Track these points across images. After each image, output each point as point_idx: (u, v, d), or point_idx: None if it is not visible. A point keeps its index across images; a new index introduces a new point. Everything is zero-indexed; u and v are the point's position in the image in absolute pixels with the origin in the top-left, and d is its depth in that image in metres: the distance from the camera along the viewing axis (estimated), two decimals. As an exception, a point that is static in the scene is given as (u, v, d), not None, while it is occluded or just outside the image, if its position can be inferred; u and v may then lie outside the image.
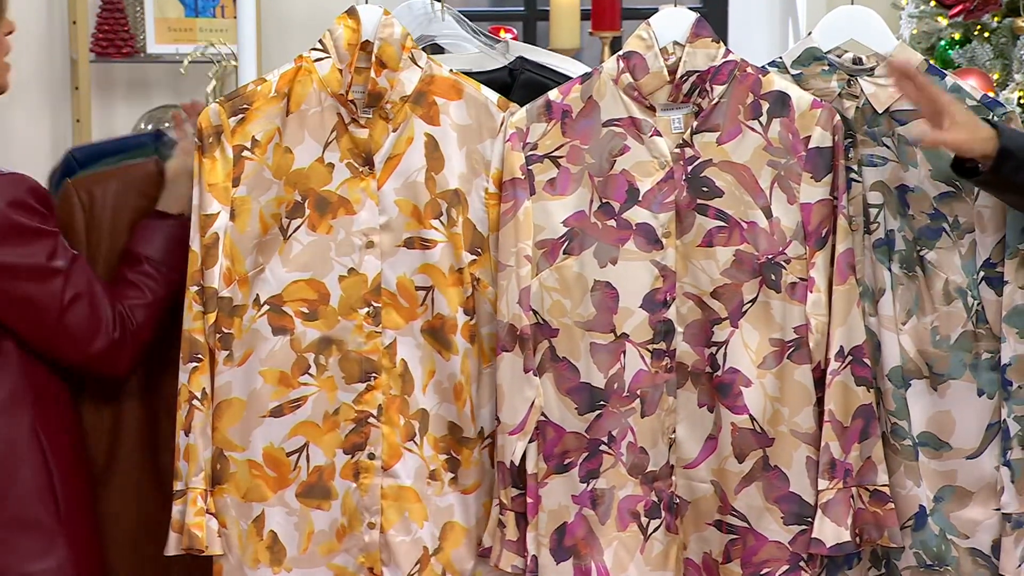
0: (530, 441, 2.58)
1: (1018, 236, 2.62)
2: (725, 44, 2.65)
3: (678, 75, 2.58)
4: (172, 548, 2.59)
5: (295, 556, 2.63)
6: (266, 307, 2.61)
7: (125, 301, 2.62)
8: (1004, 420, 2.62)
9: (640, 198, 2.59)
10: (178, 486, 2.59)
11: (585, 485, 2.59)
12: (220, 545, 2.61)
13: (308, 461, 2.62)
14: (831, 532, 2.54)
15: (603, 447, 2.59)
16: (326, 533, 2.63)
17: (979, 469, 2.63)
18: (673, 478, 2.60)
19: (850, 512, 2.55)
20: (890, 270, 2.63)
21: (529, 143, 2.61)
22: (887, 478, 2.58)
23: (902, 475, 2.62)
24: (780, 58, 2.71)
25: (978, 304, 2.63)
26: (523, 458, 2.58)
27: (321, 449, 2.62)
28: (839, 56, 2.70)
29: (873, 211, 2.64)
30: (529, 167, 2.60)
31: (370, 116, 2.61)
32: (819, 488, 2.55)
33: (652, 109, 2.60)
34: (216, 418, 2.61)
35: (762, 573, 2.57)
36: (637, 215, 2.59)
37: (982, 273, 2.63)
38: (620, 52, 2.62)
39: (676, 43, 2.61)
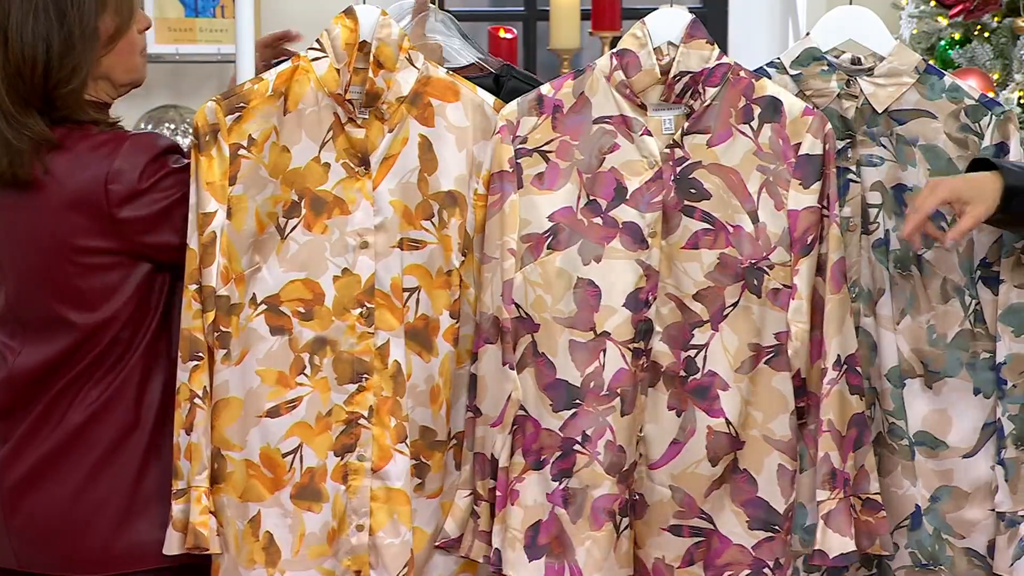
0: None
1: (1014, 236, 2.62)
2: (725, 44, 2.65)
3: (671, 75, 2.57)
4: (174, 547, 2.59)
5: (288, 558, 2.62)
6: (263, 306, 2.61)
7: None
8: (999, 419, 2.62)
9: (627, 197, 2.58)
10: (179, 485, 2.59)
11: (557, 484, 2.58)
12: (219, 544, 2.61)
13: (301, 462, 2.62)
14: (836, 543, 2.52)
15: (576, 447, 2.57)
16: (316, 536, 2.62)
17: (975, 469, 2.64)
18: (635, 475, 2.59)
19: (852, 521, 2.54)
20: (887, 270, 2.63)
21: (519, 136, 2.60)
22: (878, 486, 2.57)
23: (899, 475, 2.61)
24: (779, 58, 2.71)
25: (975, 303, 2.62)
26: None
27: (313, 450, 2.61)
28: (837, 56, 2.70)
29: (872, 211, 2.64)
30: (518, 160, 2.60)
31: (366, 116, 2.61)
32: (819, 499, 2.53)
33: (643, 108, 2.59)
34: (214, 417, 2.61)
35: None
36: (624, 214, 2.58)
37: (979, 272, 2.63)
38: (614, 50, 2.62)
39: (670, 43, 2.60)
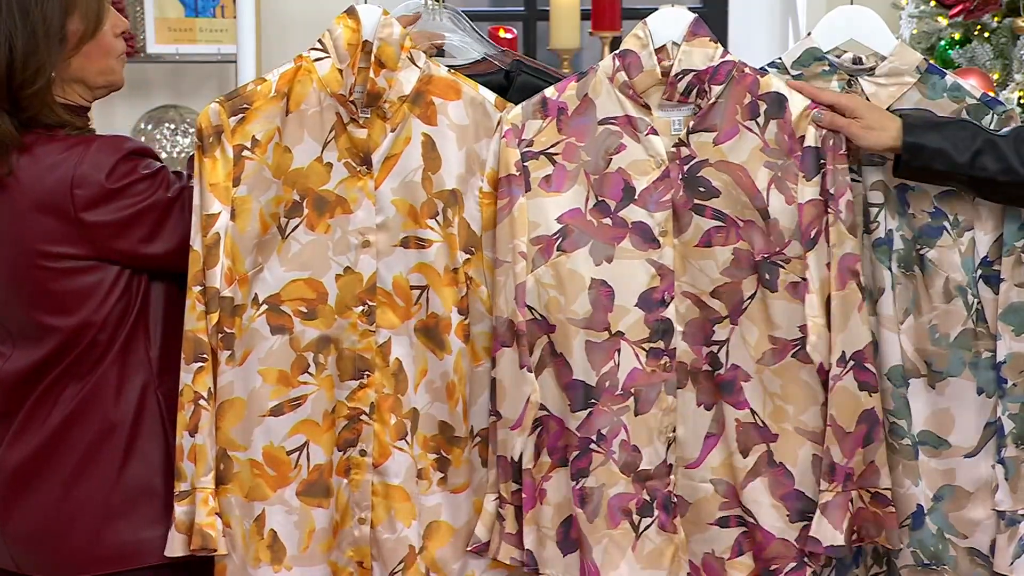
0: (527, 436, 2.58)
1: (1014, 234, 2.62)
2: (725, 44, 2.65)
3: (673, 74, 2.58)
4: (177, 549, 2.59)
5: (295, 554, 2.63)
6: (264, 306, 2.61)
7: None
8: (999, 418, 2.62)
9: (636, 196, 2.59)
10: (183, 487, 2.58)
11: (575, 483, 2.59)
12: (225, 545, 2.61)
13: (308, 460, 2.62)
14: (828, 533, 2.53)
15: (592, 445, 2.58)
16: (326, 531, 2.63)
17: (977, 468, 2.64)
18: (672, 477, 2.60)
19: (847, 517, 2.54)
20: (890, 269, 2.63)
21: (525, 139, 2.60)
22: (890, 482, 2.57)
23: (900, 474, 2.62)
24: (780, 58, 2.71)
25: (978, 302, 2.63)
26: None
27: (321, 448, 2.62)
28: (839, 56, 2.70)
29: (873, 210, 2.64)
30: (524, 163, 2.60)
31: (368, 116, 2.61)
32: (820, 489, 2.54)
33: (647, 107, 2.60)
34: (219, 418, 2.61)
35: (771, 568, 2.57)
36: (633, 214, 2.59)
37: (980, 271, 2.63)
38: (616, 51, 2.63)
39: (673, 43, 2.60)
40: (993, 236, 2.64)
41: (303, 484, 2.62)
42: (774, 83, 2.60)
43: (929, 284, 2.63)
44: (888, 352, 2.62)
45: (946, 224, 2.63)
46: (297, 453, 2.62)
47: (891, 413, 2.61)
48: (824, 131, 2.56)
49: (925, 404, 2.64)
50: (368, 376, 2.61)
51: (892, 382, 2.61)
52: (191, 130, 4.55)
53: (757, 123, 2.58)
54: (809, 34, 2.72)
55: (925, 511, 2.62)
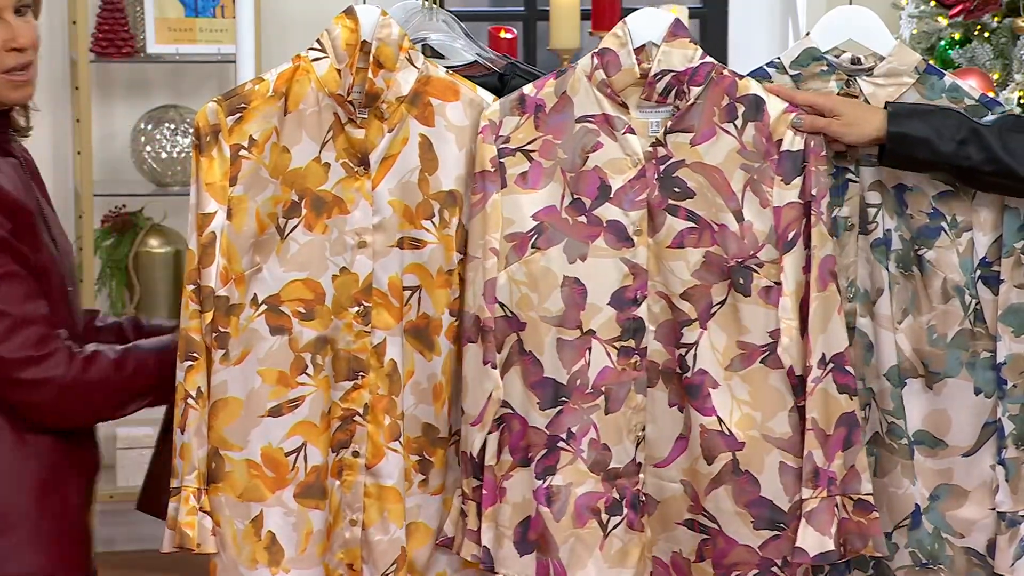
0: (489, 432, 2.57)
1: (1014, 235, 2.62)
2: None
3: (652, 74, 2.57)
4: (166, 545, 2.60)
5: (293, 557, 2.62)
6: (264, 307, 2.61)
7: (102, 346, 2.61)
8: (999, 419, 2.62)
9: (611, 195, 2.58)
10: (174, 484, 2.59)
11: (541, 482, 2.58)
12: (214, 543, 2.61)
13: (306, 461, 2.62)
14: (814, 541, 2.51)
15: (561, 444, 2.58)
16: (322, 533, 2.63)
17: (975, 468, 2.64)
18: (641, 476, 2.59)
19: (834, 521, 2.52)
20: (887, 269, 2.63)
21: (502, 136, 2.60)
22: (871, 487, 2.56)
23: (898, 474, 2.62)
24: (778, 58, 2.71)
25: (976, 303, 2.63)
26: (482, 449, 2.57)
27: (318, 449, 2.62)
28: (837, 56, 2.70)
29: (872, 211, 2.64)
30: (501, 160, 2.59)
31: (366, 116, 2.61)
32: (803, 497, 2.52)
33: (625, 106, 2.59)
34: (212, 417, 2.61)
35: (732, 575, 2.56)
36: (608, 212, 2.58)
37: (979, 272, 2.63)
38: (595, 49, 2.62)
39: (652, 43, 2.59)
40: (992, 237, 2.64)
41: (300, 486, 2.62)
42: (752, 86, 2.59)
43: (927, 284, 2.63)
44: (886, 352, 2.62)
45: (944, 225, 2.63)
46: (295, 455, 2.62)
47: (889, 414, 2.61)
48: (805, 134, 2.56)
49: (923, 404, 2.64)
50: (362, 377, 2.61)
51: (890, 382, 2.61)
52: (191, 130, 4.56)
53: (735, 125, 2.57)
54: (808, 34, 2.72)
55: (921, 510, 2.62)
